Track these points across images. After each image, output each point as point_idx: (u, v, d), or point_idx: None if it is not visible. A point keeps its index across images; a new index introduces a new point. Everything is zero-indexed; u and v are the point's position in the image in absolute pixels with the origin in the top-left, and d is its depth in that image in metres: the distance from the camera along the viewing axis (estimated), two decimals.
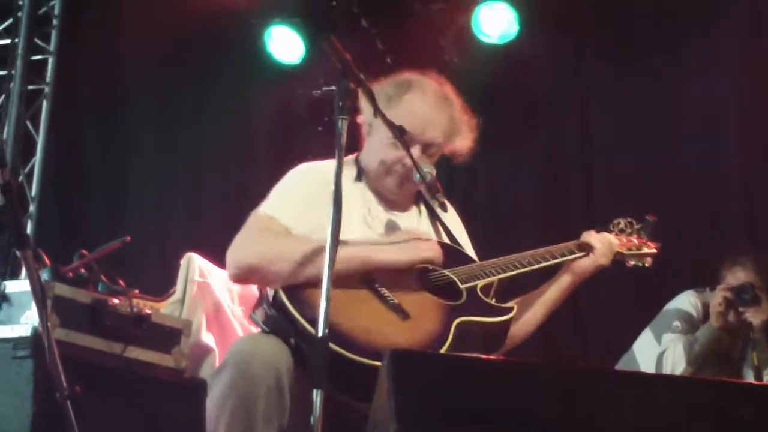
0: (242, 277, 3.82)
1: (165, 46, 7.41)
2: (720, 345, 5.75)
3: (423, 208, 4.15)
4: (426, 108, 3.96)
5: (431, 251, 3.85)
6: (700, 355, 5.66)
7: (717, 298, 5.71)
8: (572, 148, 7.26)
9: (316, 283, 3.30)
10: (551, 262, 4.11)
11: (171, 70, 7.67)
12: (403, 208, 4.09)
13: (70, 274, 3.75)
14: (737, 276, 5.85)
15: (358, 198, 3.97)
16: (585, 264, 4.13)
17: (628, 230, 4.39)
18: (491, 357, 3.66)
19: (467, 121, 4.08)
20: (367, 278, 3.75)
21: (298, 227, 3.77)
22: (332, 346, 3.29)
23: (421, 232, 3.96)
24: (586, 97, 7.24)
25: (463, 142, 4.08)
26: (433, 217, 4.14)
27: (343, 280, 3.52)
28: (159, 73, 7.71)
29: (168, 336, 3.86)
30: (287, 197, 3.89)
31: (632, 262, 4.37)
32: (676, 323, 5.90)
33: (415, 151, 3.88)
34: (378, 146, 3.96)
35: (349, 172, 3.99)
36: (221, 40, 7.46)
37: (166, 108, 7.79)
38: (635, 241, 4.39)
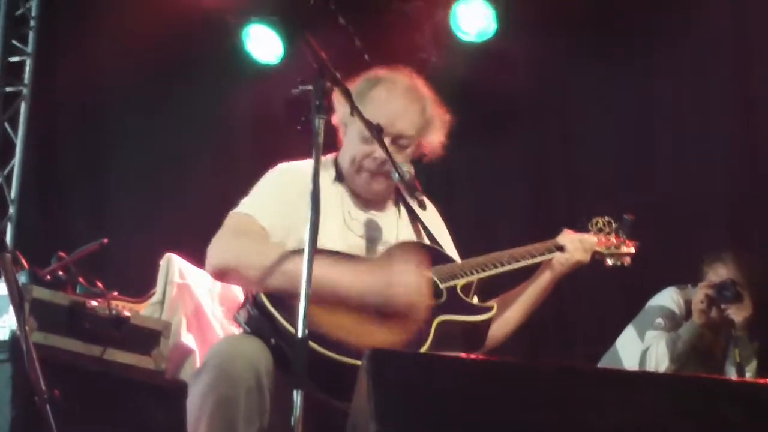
0: (217, 276, 3.82)
1: (143, 47, 7.38)
2: (702, 342, 5.77)
3: (402, 207, 4.14)
4: (394, 101, 3.95)
5: (405, 296, 3.69)
6: (684, 353, 5.67)
7: (699, 295, 5.73)
8: (553, 146, 7.28)
9: (290, 291, 3.30)
10: (530, 261, 4.13)
11: (149, 71, 7.63)
12: (382, 207, 4.07)
13: (48, 276, 3.73)
14: (719, 273, 5.87)
15: (337, 199, 3.96)
16: (561, 261, 4.15)
17: (607, 229, 4.41)
18: (472, 356, 3.66)
19: (440, 116, 4.07)
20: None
21: (276, 227, 3.77)
22: (312, 345, 3.29)
23: (407, 273, 3.76)
24: (566, 95, 7.25)
25: (435, 136, 4.06)
26: (413, 216, 4.13)
27: None
28: (137, 74, 7.67)
29: (147, 338, 3.86)
30: (266, 197, 3.88)
31: (611, 261, 4.40)
32: (659, 320, 5.92)
33: (386, 143, 3.83)
34: (350, 143, 3.96)
35: (327, 173, 3.98)
36: (199, 40, 7.44)
37: (145, 109, 7.76)
38: (614, 240, 4.42)
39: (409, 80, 4.05)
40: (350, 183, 4.00)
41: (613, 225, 4.43)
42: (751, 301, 5.76)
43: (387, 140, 3.86)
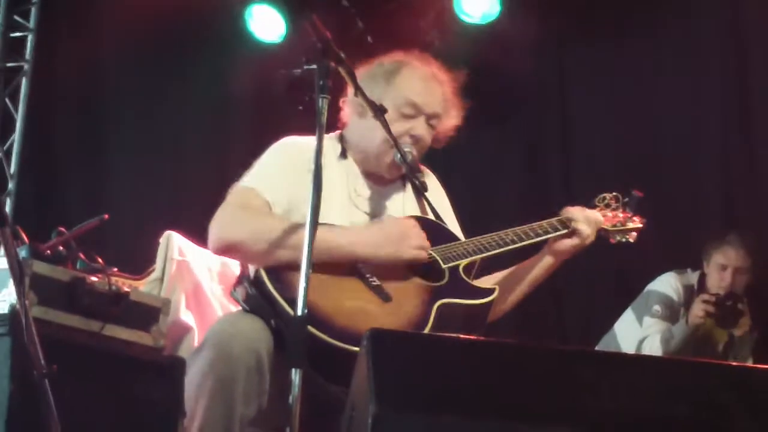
0: (222, 250, 3.82)
1: (145, 25, 7.36)
2: (695, 345, 5.81)
3: (408, 185, 4.15)
4: (426, 81, 4.01)
5: (417, 250, 3.79)
6: (676, 353, 5.70)
7: (697, 308, 5.75)
8: (552, 128, 7.29)
9: (295, 264, 3.29)
10: (535, 239, 4.08)
11: (151, 49, 7.63)
12: (388, 184, 4.09)
13: (48, 251, 3.71)
14: (728, 255, 5.91)
15: (342, 176, 3.96)
16: (569, 245, 4.10)
17: (614, 205, 4.35)
18: (471, 337, 3.66)
19: (456, 102, 4.09)
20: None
21: (279, 201, 3.77)
22: (311, 329, 3.30)
23: (412, 223, 3.88)
24: (567, 78, 7.26)
25: (452, 121, 4.11)
26: (418, 193, 4.13)
27: (325, 263, 3.56)
28: (139, 52, 7.66)
29: (146, 314, 3.83)
30: (269, 170, 3.88)
31: (617, 238, 4.33)
32: (656, 307, 5.95)
33: (421, 122, 3.95)
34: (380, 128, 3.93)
35: (333, 149, 4.00)
36: (202, 20, 7.42)
37: (146, 86, 7.75)
38: (620, 216, 4.35)
39: (428, 64, 4.10)
40: (363, 159, 4.01)
41: (621, 200, 4.37)
42: (756, 281, 5.82)
43: (422, 119, 3.96)
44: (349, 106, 4.04)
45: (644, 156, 6.89)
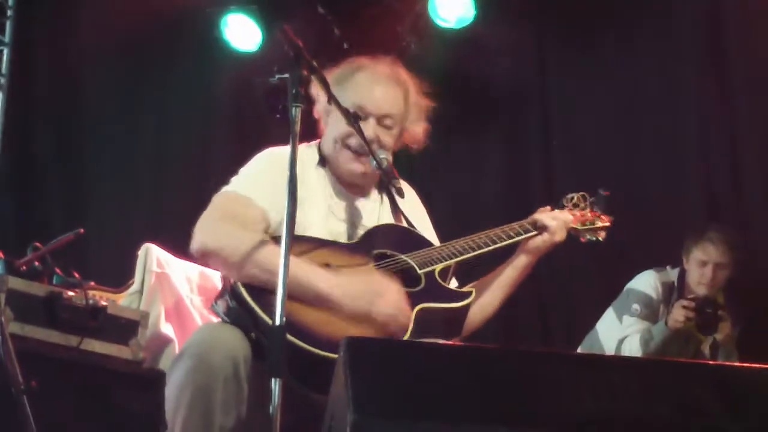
0: (201, 256, 3.80)
1: (121, 36, 7.36)
2: (673, 346, 5.82)
3: (385, 195, 4.15)
4: (378, 84, 4.00)
5: (389, 317, 3.68)
6: (656, 354, 5.71)
7: (678, 313, 5.76)
8: (533, 130, 7.29)
9: (271, 285, 3.29)
10: (507, 241, 4.11)
11: (127, 60, 7.62)
12: (365, 193, 4.09)
13: (24, 267, 3.70)
14: (708, 251, 5.91)
15: (320, 184, 3.97)
16: (539, 242, 4.14)
17: (582, 204, 4.39)
18: (448, 343, 3.65)
19: (422, 103, 4.10)
20: (326, 267, 3.73)
21: (275, 208, 3.75)
22: (291, 338, 3.31)
23: (395, 287, 3.76)
24: (546, 80, 7.26)
25: (419, 125, 4.10)
26: (394, 203, 4.13)
27: None
28: (115, 63, 7.65)
29: (125, 327, 3.83)
30: (259, 178, 3.88)
31: (587, 237, 4.38)
32: (635, 306, 5.96)
33: (371, 124, 3.92)
34: (334, 125, 3.96)
35: (311, 158, 4.01)
36: (178, 29, 7.42)
37: (123, 98, 7.73)
38: (589, 215, 4.39)
39: (391, 67, 4.09)
40: (333, 166, 4.02)
41: (588, 199, 4.41)
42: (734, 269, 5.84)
43: (372, 121, 3.94)
44: (322, 115, 4.03)
45: (625, 154, 6.90)
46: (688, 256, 6.03)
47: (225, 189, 3.86)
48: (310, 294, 3.59)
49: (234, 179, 3.90)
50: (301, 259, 3.62)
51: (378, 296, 3.67)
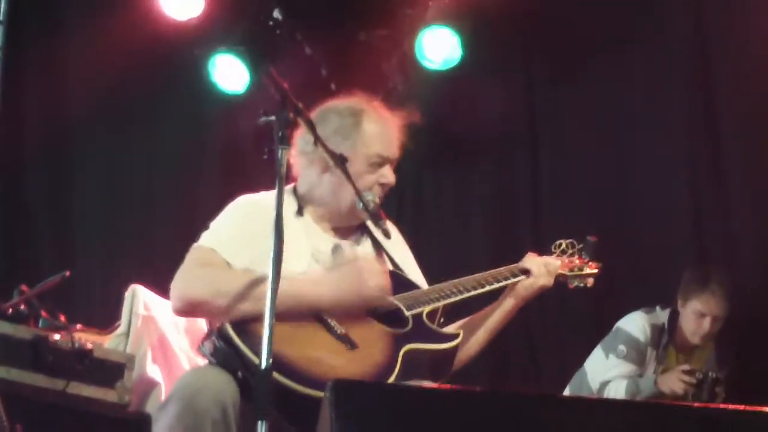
0: (185, 310, 3.81)
1: (110, 76, 7.35)
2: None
3: (366, 235, 4.16)
4: (387, 129, 4.06)
5: (377, 292, 3.80)
6: None
7: (676, 382, 5.76)
8: (520, 171, 7.29)
9: (259, 315, 3.29)
10: (495, 285, 4.14)
11: (116, 101, 7.60)
12: (347, 236, 4.10)
13: (10, 310, 3.70)
14: (708, 304, 5.88)
15: (301, 232, 3.97)
16: (525, 286, 4.16)
17: (570, 251, 4.43)
18: (434, 386, 3.66)
19: (402, 138, 4.13)
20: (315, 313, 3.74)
21: (238, 260, 3.77)
22: (278, 376, 3.32)
23: (368, 259, 3.93)
24: (534, 120, 7.28)
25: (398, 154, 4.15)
26: (377, 244, 4.14)
27: (290, 313, 3.57)
28: (103, 104, 7.63)
29: (111, 371, 3.83)
30: (228, 230, 3.89)
31: (575, 283, 4.42)
32: (622, 347, 5.95)
33: (387, 169, 4.01)
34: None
35: (289, 206, 3.99)
36: (166, 71, 7.41)
37: (112, 139, 7.71)
38: (577, 261, 4.44)
39: (378, 108, 4.14)
40: (329, 215, 4.03)
41: (576, 246, 4.45)
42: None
43: (387, 165, 4.01)
44: (302, 159, 4.04)
45: (614, 195, 6.92)
46: (684, 302, 5.98)
47: (195, 244, 3.86)
48: (299, 305, 3.64)
49: (203, 233, 3.90)
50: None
51: (364, 276, 3.75)
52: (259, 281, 3.59)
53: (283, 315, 3.34)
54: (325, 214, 4.03)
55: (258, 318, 3.42)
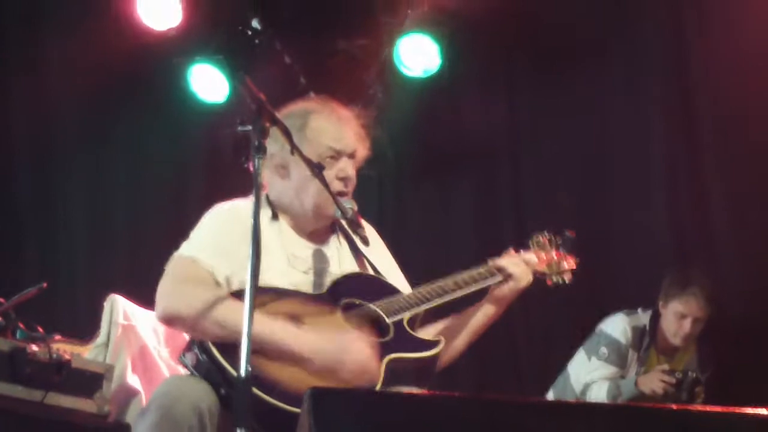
0: (167, 323, 3.81)
1: (90, 88, 7.34)
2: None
3: (342, 238, 4.15)
4: (336, 123, 4.03)
5: (355, 374, 3.66)
6: None
7: (656, 383, 5.77)
8: (502, 175, 7.31)
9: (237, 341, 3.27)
10: (474, 287, 4.09)
11: (98, 112, 7.58)
12: (323, 240, 4.08)
13: None
14: (689, 306, 5.92)
15: (276, 237, 3.95)
16: (506, 291, 4.13)
17: (547, 246, 4.38)
18: (413, 391, 3.65)
19: (364, 134, 4.11)
20: (294, 319, 3.72)
21: (221, 267, 3.75)
22: (258, 392, 3.32)
23: (358, 347, 3.72)
24: (514, 123, 7.30)
25: (363, 152, 4.12)
26: (354, 247, 4.13)
27: None
28: (84, 114, 7.62)
29: (90, 381, 3.82)
30: (207, 239, 3.87)
31: (553, 279, 4.36)
32: (603, 350, 5.97)
33: (344, 161, 3.97)
34: (303, 177, 3.93)
35: (264, 212, 3.96)
36: (146, 80, 7.40)
37: (92, 148, 7.70)
38: (554, 256, 4.38)
39: (330, 105, 4.13)
40: (298, 220, 4.01)
41: (554, 241, 4.42)
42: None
43: (345, 160, 3.98)
44: (266, 168, 4.00)
45: (595, 197, 6.94)
46: (666, 303, 6.02)
47: (175, 254, 3.84)
48: (275, 351, 3.58)
49: (183, 243, 3.89)
50: (263, 312, 3.58)
51: (345, 353, 3.64)
52: (229, 306, 3.59)
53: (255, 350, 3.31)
54: (296, 219, 4.02)
55: (230, 343, 3.43)
